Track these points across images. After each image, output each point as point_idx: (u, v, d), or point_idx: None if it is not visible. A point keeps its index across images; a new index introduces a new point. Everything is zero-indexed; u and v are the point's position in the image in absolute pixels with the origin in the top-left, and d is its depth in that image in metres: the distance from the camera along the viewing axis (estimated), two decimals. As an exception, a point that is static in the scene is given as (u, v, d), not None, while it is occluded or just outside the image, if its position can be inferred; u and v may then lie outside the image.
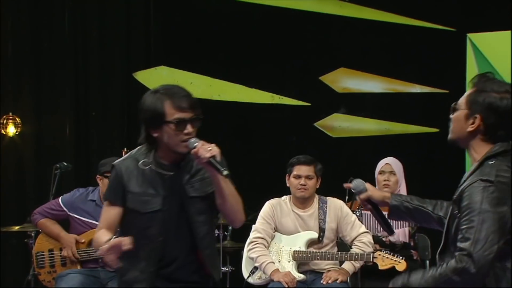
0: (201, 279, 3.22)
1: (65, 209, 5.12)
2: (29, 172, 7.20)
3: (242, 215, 3.23)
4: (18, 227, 5.60)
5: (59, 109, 7.26)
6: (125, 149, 6.88)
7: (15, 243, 6.91)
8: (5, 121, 7.08)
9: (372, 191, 3.07)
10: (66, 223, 5.21)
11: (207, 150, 3.01)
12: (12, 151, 7.19)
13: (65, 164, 5.90)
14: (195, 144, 3.04)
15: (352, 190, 3.10)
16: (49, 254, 5.17)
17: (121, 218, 3.20)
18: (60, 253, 5.13)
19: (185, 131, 3.06)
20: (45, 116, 7.26)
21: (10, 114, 7.10)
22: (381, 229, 5.18)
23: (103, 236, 3.08)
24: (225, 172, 3.00)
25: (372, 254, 4.85)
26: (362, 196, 3.06)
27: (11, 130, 7.10)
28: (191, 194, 3.15)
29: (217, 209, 3.21)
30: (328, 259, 4.98)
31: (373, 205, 3.08)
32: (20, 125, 7.12)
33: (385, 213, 3.11)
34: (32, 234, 5.35)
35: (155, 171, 3.15)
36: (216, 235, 6.01)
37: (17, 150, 7.21)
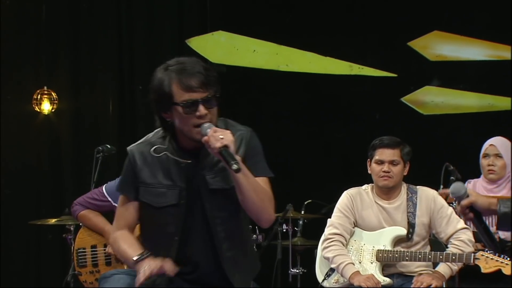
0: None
1: (109, 199, 5.19)
2: (66, 156, 7.33)
3: (269, 214, 3.17)
4: (55, 220, 5.70)
5: (100, 83, 7.36)
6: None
7: (51, 239, 7.07)
8: (39, 97, 7.20)
9: (476, 197, 3.04)
10: (111, 215, 5.28)
11: (218, 138, 3.00)
12: (47, 131, 7.33)
13: (108, 146, 5.98)
14: (207, 131, 3.03)
15: (450, 195, 3.09)
16: (91, 252, 5.26)
17: (138, 213, 3.22)
18: (105, 250, 5.21)
19: (197, 114, 3.04)
20: (84, 90, 7.38)
21: (45, 88, 7.23)
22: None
23: (130, 249, 3.13)
24: (235, 167, 2.96)
25: (473, 254, 4.76)
26: (464, 202, 3.03)
27: (46, 107, 7.23)
28: (211, 186, 3.14)
29: None
30: (419, 260, 4.92)
31: (476, 214, 3.04)
32: (56, 101, 7.24)
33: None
34: (71, 228, 5.44)
35: (171, 158, 3.16)
36: (285, 230, 6.05)
37: (52, 130, 7.34)
